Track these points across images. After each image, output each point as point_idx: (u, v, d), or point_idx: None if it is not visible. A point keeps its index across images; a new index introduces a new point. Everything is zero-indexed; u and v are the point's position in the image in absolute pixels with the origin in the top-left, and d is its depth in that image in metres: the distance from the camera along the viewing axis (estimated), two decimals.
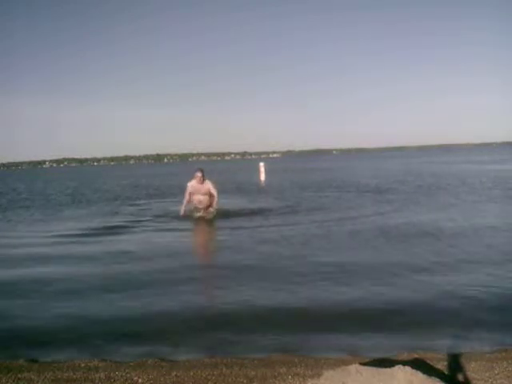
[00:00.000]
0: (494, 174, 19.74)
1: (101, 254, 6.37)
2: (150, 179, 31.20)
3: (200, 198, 9.13)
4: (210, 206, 9.17)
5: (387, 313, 3.69)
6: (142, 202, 14.13)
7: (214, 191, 9.20)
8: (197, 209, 9.21)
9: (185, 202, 9.30)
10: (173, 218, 9.42)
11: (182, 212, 9.24)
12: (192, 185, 9.18)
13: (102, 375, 2.68)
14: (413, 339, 3.14)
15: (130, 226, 8.87)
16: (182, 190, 9.72)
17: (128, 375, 2.67)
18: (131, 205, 13.18)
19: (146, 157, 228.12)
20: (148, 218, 9.80)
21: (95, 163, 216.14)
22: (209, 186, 9.17)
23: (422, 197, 11.96)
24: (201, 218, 9.11)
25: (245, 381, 2.58)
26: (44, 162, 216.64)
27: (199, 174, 9.12)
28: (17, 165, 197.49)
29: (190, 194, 9.18)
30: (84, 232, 8.33)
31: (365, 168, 34.72)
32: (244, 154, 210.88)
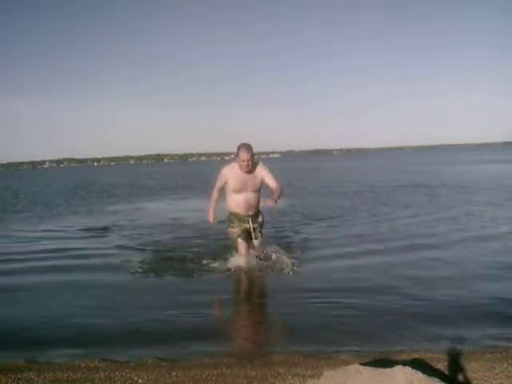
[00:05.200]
0: None
1: None
2: (153, 177, 31.22)
3: (249, 198, 4.95)
4: (258, 209, 5.13)
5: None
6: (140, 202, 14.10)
7: (272, 180, 4.92)
8: (239, 217, 5.01)
9: (214, 199, 5.09)
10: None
11: (211, 217, 5.13)
12: (233, 173, 4.92)
13: (102, 375, 2.68)
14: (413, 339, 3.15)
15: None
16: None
17: (128, 375, 2.67)
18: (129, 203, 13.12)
19: (146, 157, 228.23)
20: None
21: (95, 163, 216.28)
22: (263, 173, 4.94)
23: None
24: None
25: (245, 381, 2.58)
26: (44, 162, 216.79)
27: (246, 156, 4.76)
28: (17, 165, 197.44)
29: (228, 189, 5.00)
30: None
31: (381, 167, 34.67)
32: None
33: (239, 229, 5.01)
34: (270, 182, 4.93)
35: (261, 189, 5.04)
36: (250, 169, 4.85)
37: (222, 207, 5.16)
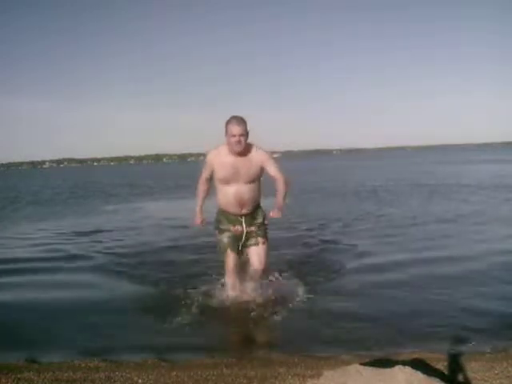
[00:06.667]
0: None
1: None
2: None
3: (241, 191, 3.73)
4: (257, 206, 3.91)
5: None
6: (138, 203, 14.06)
7: (275, 169, 3.75)
8: (229, 217, 3.85)
9: (200, 192, 3.97)
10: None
11: (198, 217, 4.02)
12: (221, 158, 3.73)
13: (102, 375, 2.68)
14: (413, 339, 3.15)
15: None
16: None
17: (128, 375, 2.67)
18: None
19: (146, 157, 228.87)
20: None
21: (95, 163, 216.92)
22: (262, 157, 3.74)
23: None
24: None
25: (245, 381, 2.57)
26: (44, 162, 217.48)
27: (237, 129, 3.59)
28: (17, 165, 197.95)
29: (216, 180, 3.82)
30: None
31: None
32: None
33: (229, 236, 3.83)
34: (272, 170, 3.73)
35: (259, 179, 3.81)
36: (243, 150, 3.64)
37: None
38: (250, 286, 3.89)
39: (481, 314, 3.59)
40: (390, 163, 42.65)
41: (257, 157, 3.73)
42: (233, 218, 3.83)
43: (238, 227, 3.83)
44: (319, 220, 8.70)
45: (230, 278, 3.87)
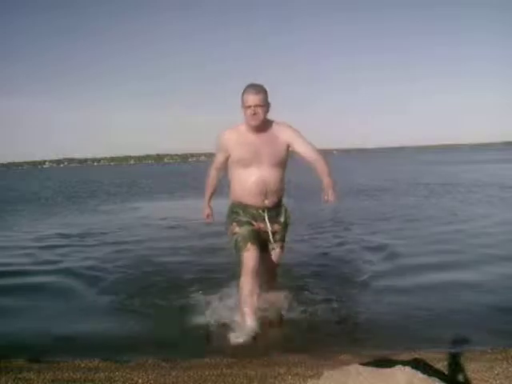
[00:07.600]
0: None
1: None
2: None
3: (265, 176, 3.00)
4: (281, 201, 3.20)
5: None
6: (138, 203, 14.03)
7: (307, 146, 3.04)
8: (248, 210, 3.10)
9: (210, 180, 3.36)
10: None
11: (206, 209, 3.45)
12: (237, 136, 3.06)
13: (102, 375, 2.67)
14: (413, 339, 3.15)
15: None
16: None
17: (128, 375, 2.66)
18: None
19: (146, 157, 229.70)
20: None
21: (95, 163, 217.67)
22: (288, 134, 3.06)
23: None
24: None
25: (245, 381, 2.57)
26: (44, 162, 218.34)
27: (253, 98, 2.90)
28: (17, 165, 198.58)
29: (232, 164, 3.12)
30: None
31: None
32: None
33: (252, 229, 3.07)
34: (305, 149, 3.04)
35: (285, 165, 3.13)
36: (263, 125, 3.00)
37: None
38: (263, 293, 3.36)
39: (481, 314, 3.59)
40: (390, 163, 42.72)
41: (282, 134, 3.06)
42: (253, 213, 3.09)
43: (261, 224, 3.10)
44: (328, 220, 8.72)
45: (247, 282, 3.05)
